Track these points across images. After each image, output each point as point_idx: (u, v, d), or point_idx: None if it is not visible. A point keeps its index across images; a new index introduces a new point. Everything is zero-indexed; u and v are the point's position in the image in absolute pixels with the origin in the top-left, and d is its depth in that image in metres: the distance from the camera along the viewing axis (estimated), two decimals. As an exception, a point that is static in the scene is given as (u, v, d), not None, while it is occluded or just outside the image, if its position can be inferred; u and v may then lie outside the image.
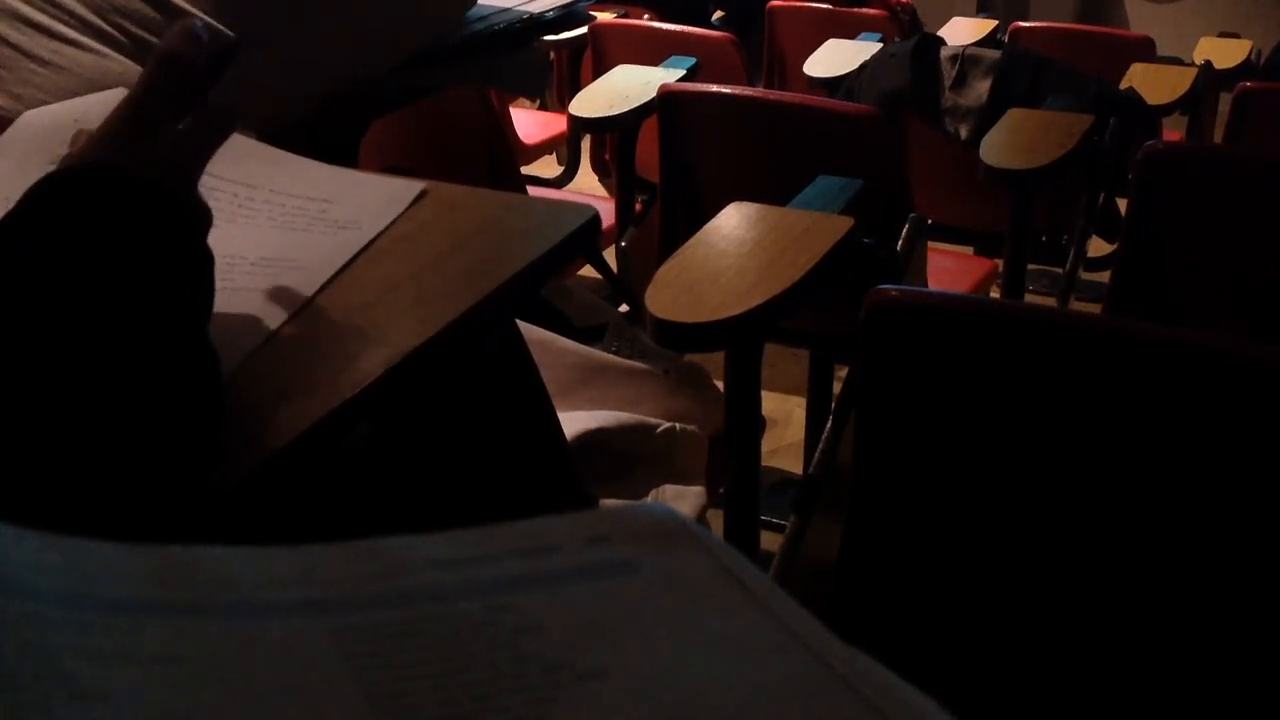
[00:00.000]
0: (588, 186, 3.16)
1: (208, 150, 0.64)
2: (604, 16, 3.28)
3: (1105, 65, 2.89)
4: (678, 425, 1.41)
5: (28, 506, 0.47)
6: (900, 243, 1.87)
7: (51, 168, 0.59)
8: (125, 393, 0.52)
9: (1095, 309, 2.25)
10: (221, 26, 1.01)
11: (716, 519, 1.41)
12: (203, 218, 0.62)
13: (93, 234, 0.55)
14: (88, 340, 0.53)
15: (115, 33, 0.99)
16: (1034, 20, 4.38)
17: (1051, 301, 2.47)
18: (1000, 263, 2.20)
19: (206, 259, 0.61)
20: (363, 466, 0.81)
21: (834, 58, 2.82)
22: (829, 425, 1.36)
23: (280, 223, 0.78)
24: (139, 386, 0.53)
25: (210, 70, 0.63)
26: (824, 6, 3.68)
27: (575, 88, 2.95)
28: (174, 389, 0.55)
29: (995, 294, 2.27)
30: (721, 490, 1.41)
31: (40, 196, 0.56)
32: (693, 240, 1.34)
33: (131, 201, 0.57)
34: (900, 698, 0.26)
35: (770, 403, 2.62)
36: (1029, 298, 2.36)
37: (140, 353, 0.54)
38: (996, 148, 1.96)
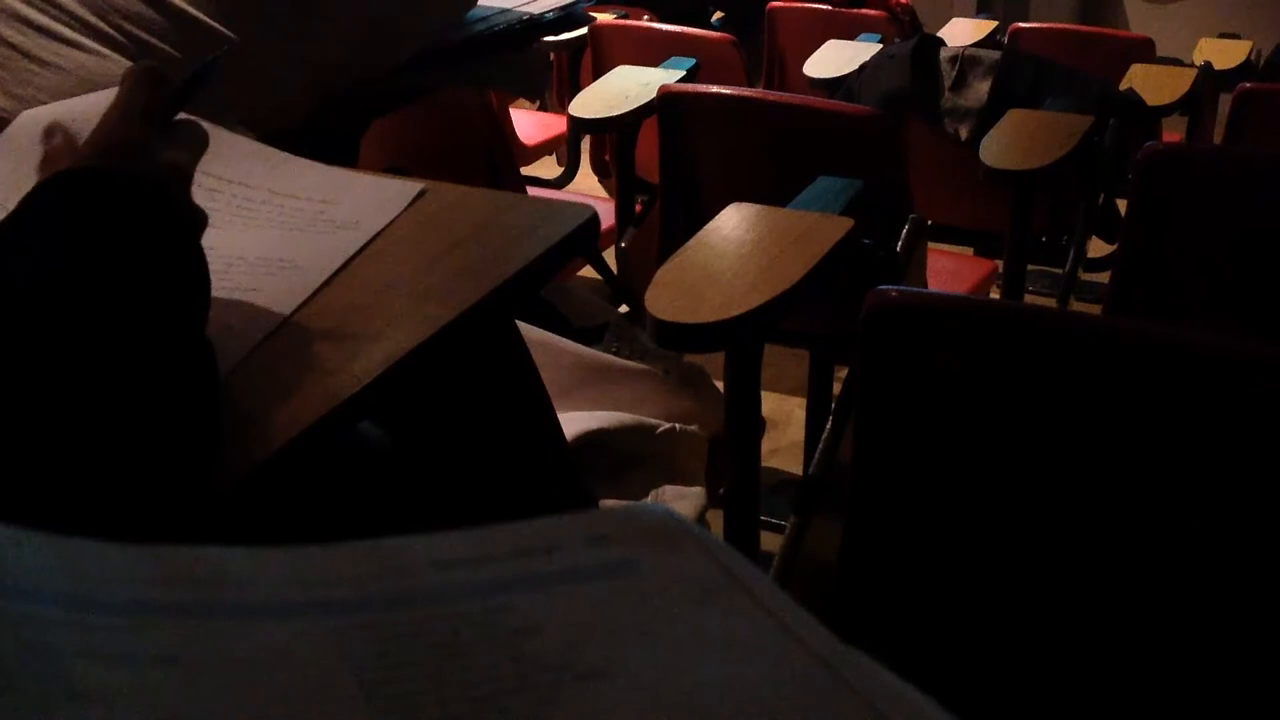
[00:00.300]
0: (588, 187, 3.16)
1: (195, 157, 0.65)
2: (604, 17, 3.28)
3: (1105, 66, 2.89)
4: (678, 426, 1.41)
5: (28, 507, 0.48)
6: (900, 243, 1.87)
7: None
8: (124, 393, 0.53)
9: (1095, 309, 2.25)
10: (221, 27, 1.01)
11: (716, 519, 1.41)
12: (197, 220, 0.62)
13: (91, 236, 0.56)
14: (86, 341, 0.53)
15: (115, 33, 0.98)
16: (1034, 21, 4.38)
17: (1051, 302, 2.47)
18: (1000, 263, 2.20)
19: (202, 260, 0.61)
20: (363, 467, 0.81)
21: (834, 58, 2.82)
22: (829, 425, 1.36)
23: (279, 223, 0.78)
24: (137, 387, 0.53)
25: (190, 83, 0.65)
26: (824, 7, 3.68)
27: (575, 88, 2.95)
28: (172, 389, 0.55)
29: (995, 294, 2.27)
30: (721, 490, 1.41)
31: (39, 200, 0.56)
32: (692, 241, 1.34)
33: (129, 204, 0.58)
34: (900, 698, 0.26)
35: (770, 403, 2.62)
36: (1029, 298, 2.36)
37: (138, 353, 0.54)
38: (996, 148, 1.96)
